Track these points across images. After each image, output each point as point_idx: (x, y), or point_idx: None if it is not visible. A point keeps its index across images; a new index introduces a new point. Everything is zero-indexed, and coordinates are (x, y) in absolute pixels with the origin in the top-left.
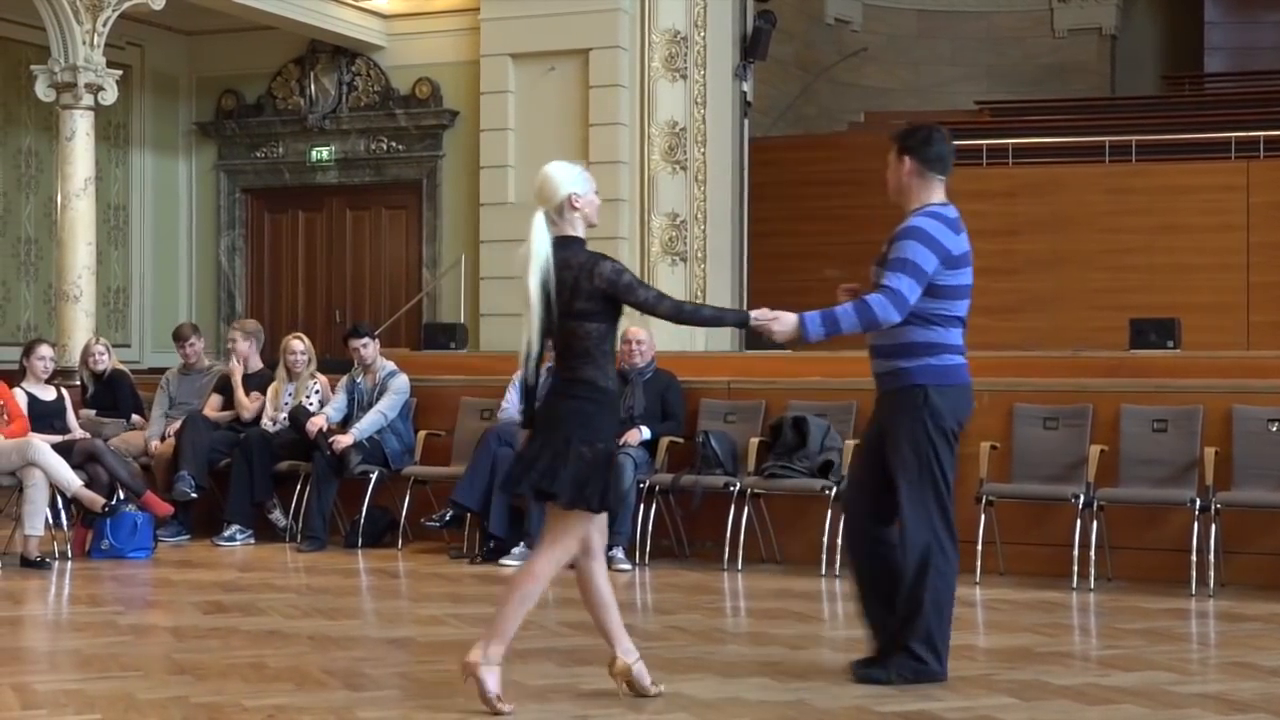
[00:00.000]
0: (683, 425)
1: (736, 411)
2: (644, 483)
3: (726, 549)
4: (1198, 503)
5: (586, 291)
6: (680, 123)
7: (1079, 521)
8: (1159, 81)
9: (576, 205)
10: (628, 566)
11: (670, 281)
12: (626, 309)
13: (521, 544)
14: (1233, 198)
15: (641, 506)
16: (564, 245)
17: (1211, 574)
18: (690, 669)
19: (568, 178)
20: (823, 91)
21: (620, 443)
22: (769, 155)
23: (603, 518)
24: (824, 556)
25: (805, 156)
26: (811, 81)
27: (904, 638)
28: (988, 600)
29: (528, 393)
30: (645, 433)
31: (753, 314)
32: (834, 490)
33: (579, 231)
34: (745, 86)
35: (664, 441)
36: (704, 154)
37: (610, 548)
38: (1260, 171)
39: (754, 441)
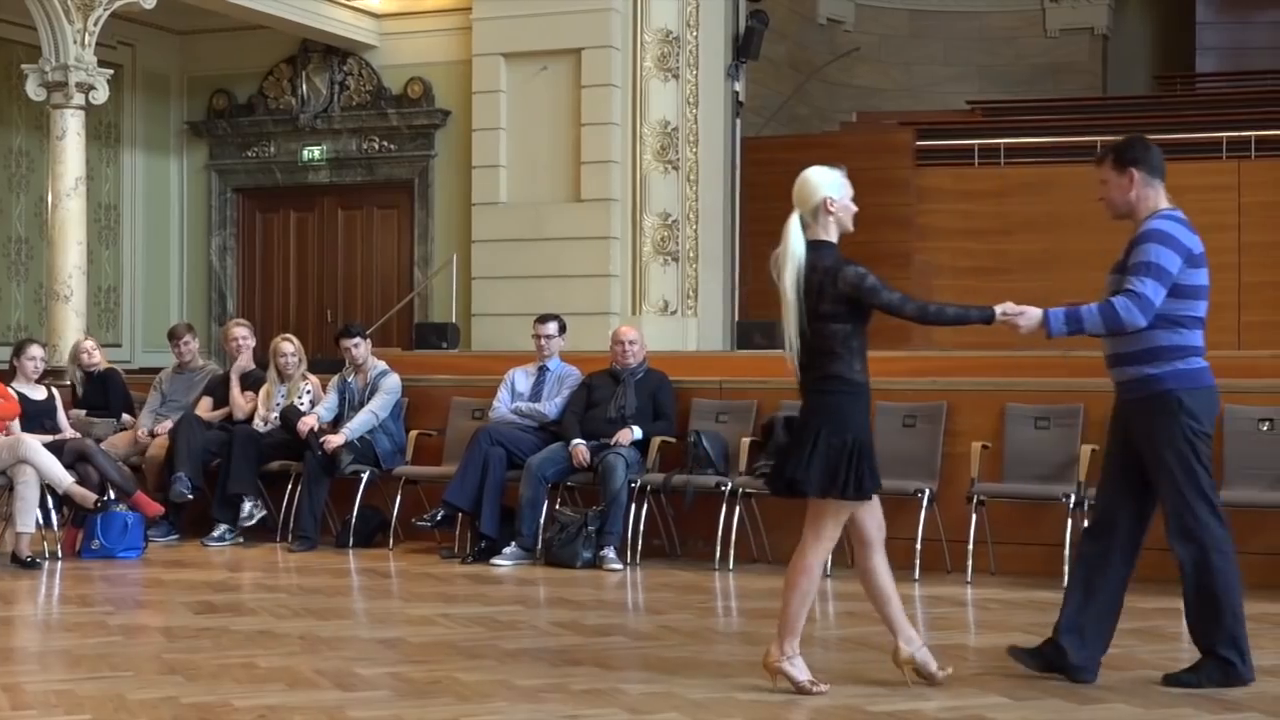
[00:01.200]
0: (674, 425)
1: (728, 411)
2: (635, 482)
3: (718, 548)
4: None
5: (831, 295)
6: (672, 122)
7: (1070, 521)
8: (1151, 81)
9: (831, 209)
10: (619, 566)
11: (663, 282)
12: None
13: (513, 543)
14: (1224, 197)
15: (633, 506)
16: (815, 249)
17: None
18: (682, 668)
19: (825, 182)
20: (815, 91)
21: (612, 442)
22: (761, 155)
23: (878, 511)
24: None
25: (798, 156)
26: (804, 81)
27: (1209, 642)
28: (979, 600)
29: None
30: (637, 432)
31: (997, 309)
32: None
33: (832, 236)
34: (737, 86)
35: (656, 441)
36: (696, 154)
37: (601, 547)
38: (1252, 171)
39: (745, 441)
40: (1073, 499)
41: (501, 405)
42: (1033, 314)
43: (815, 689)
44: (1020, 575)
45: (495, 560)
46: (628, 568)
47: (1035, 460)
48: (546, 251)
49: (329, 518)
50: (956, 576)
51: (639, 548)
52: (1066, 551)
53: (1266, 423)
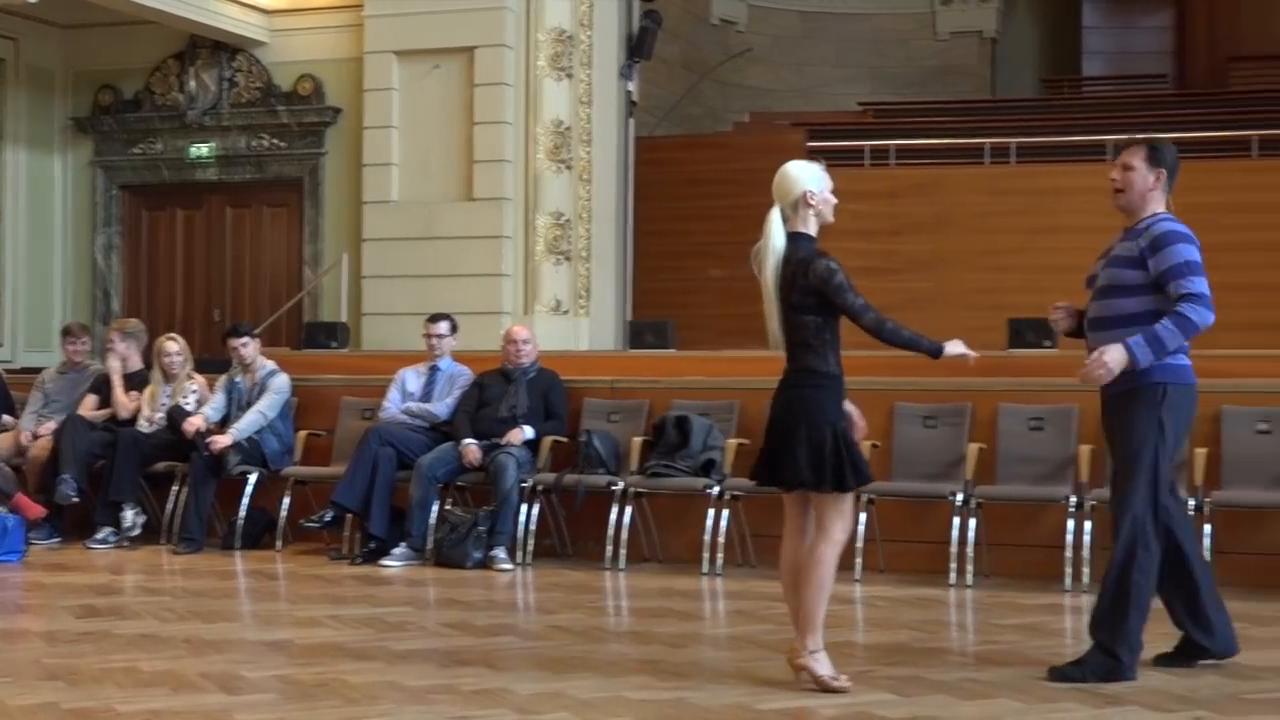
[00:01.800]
0: (566, 424)
1: (619, 411)
2: (527, 482)
3: (609, 548)
4: (1073, 500)
5: (802, 286)
6: (565, 122)
7: (957, 519)
8: (1038, 84)
9: (812, 202)
10: (509, 566)
11: (555, 281)
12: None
13: (402, 544)
14: (1109, 199)
15: (524, 506)
16: (793, 240)
17: (1086, 570)
18: (572, 668)
19: (805, 175)
20: (708, 91)
21: (503, 442)
22: (654, 155)
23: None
24: (706, 555)
25: (691, 156)
26: (697, 81)
27: (1105, 634)
28: (868, 597)
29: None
30: (528, 432)
31: (947, 347)
32: (716, 489)
33: (811, 229)
34: (631, 86)
35: (547, 441)
36: (589, 153)
37: (492, 547)
38: None
39: (637, 441)
40: (960, 497)
41: (391, 405)
42: (1116, 353)
43: (837, 684)
44: (909, 573)
45: (384, 561)
46: (518, 568)
47: (923, 459)
48: (438, 250)
49: (215, 519)
50: (845, 575)
51: (530, 548)
52: (953, 549)
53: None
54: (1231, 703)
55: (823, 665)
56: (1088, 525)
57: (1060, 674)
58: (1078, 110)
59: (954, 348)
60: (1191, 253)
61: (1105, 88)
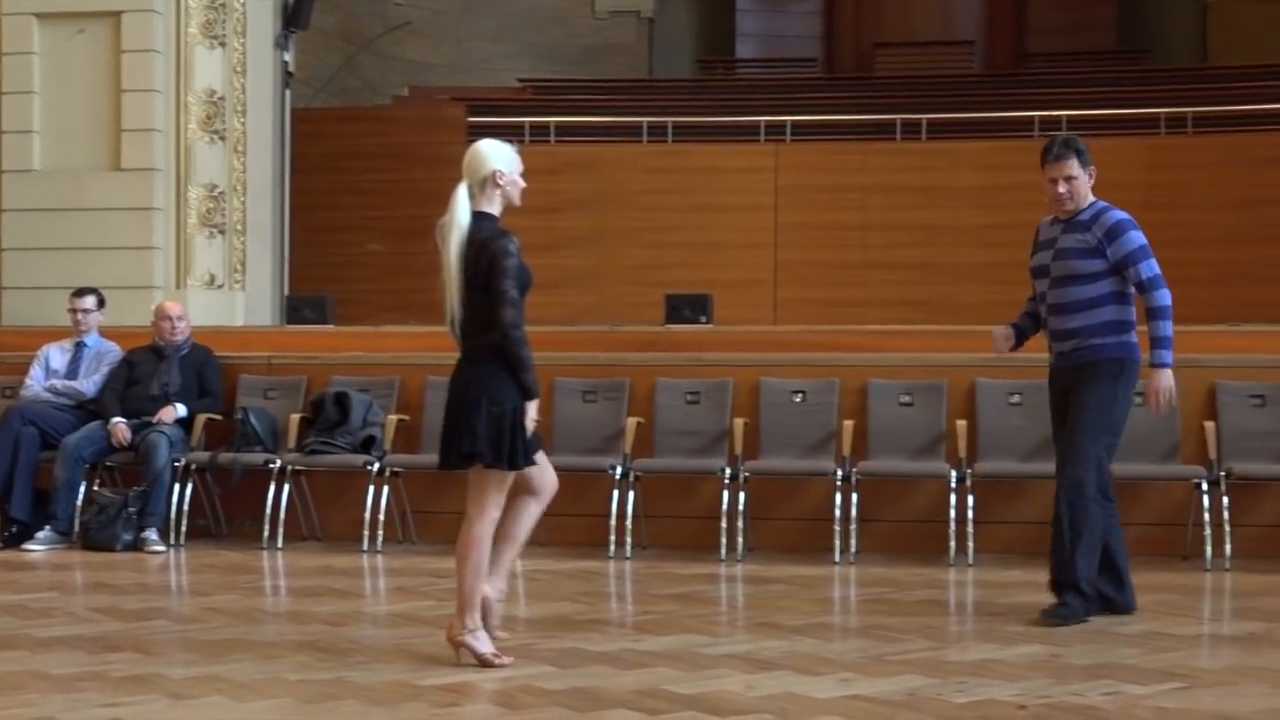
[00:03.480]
0: (220, 401)
1: (277, 387)
2: (180, 461)
3: (266, 527)
4: (728, 471)
5: (483, 266)
6: (219, 91)
7: (616, 492)
8: (694, 65)
9: (500, 182)
10: (161, 548)
11: (209, 254)
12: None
13: (47, 527)
14: (762, 179)
15: (177, 486)
16: (478, 219)
17: (740, 539)
18: (228, 651)
19: (495, 155)
20: (367, 64)
21: (155, 420)
22: (312, 127)
23: (549, 470)
24: (366, 532)
25: (349, 129)
26: (355, 53)
27: (1069, 578)
28: (528, 571)
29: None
30: (180, 410)
31: (530, 408)
32: (376, 466)
33: (495, 209)
34: (287, 56)
35: (201, 418)
36: (244, 124)
37: (143, 528)
38: (787, 154)
39: (295, 418)
40: (619, 470)
41: (34, 383)
42: (1165, 379)
43: (498, 661)
44: (568, 546)
45: (28, 545)
46: (171, 549)
47: (583, 433)
48: (84, 222)
49: None
50: None
51: (183, 528)
52: (612, 522)
53: (800, 394)
54: (876, 664)
55: (484, 643)
56: (741, 496)
57: (1053, 616)
58: (732, 91)
59: (533, 410)
60: (1141, 238)
61: (758, 70)
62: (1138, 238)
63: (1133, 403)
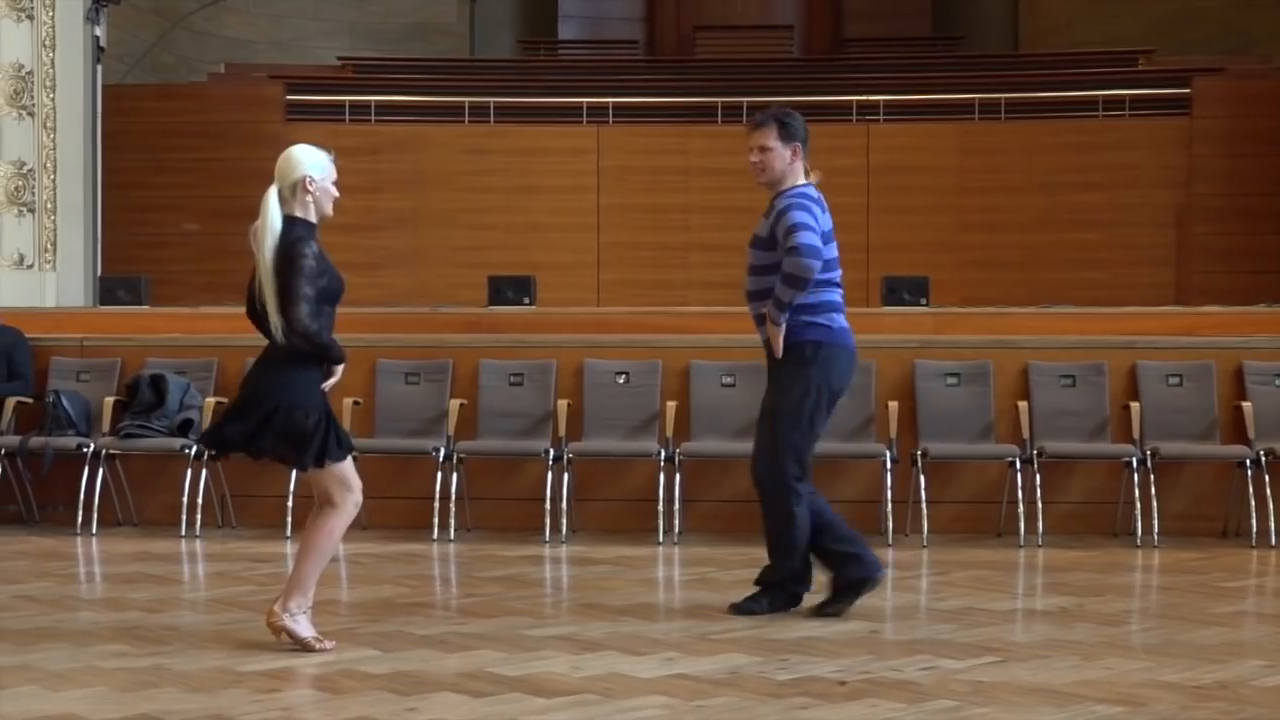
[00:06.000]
0: (31, 384)
1: (90, 370)
2: None
3: (80, 512)
4: (551, 453)
5: (283, 267)
6: (27, 66)
7: (440, 474)
8: (515, 46)
9: (310, 189)
10: None
11: (18, 234)
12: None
13: None
14: (584, 160)
15: None
16: (289, 224)
17: (564, 521)
18: (41, 639)
19: (307, 161)
20: (181, 40)
21: None
22: (125, 104)
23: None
24: (184, 517)
25: (163, 106)
26: (169, 29)
27: (777, 575)
28: (351, 555)
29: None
30: None
31: (338, 370)
32: (194, 449)
33: (309, 216)
34: (98, 31)
35: (11, 402)
36: (53, 99)
37: None
38: (609, 136)
39: (109, 400)
40: (442, 452)
41: None
42: (771, 330)
43: (320, 645)
44: (392, 529)
45: None
46: None
47: (406, 415)
48: None
49: None
50: None
51: None
52: (436, 504)
53: (623, 375)
54: (700, 642)
55: (304, 627)
56: (566, 478)
57: (741, 608)
58: (554, 72)
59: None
60: (800, 216)
61: (580, 51)
62: (794, 216)
63: (838, 393)
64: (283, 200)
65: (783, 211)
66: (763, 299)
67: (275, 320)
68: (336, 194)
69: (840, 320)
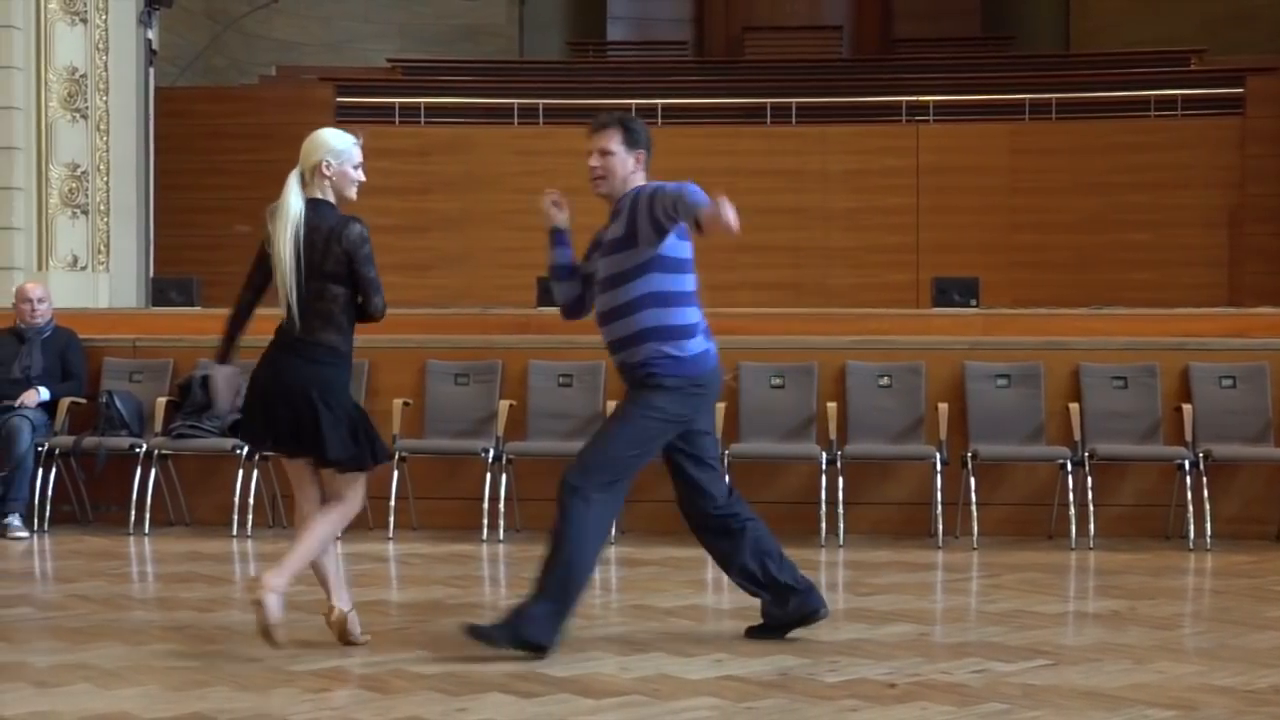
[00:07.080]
0: (84, 385)
1: (142, 370)
2: (43, 446)
3: (132, 512)
4: None
5: (336, 254)
6: (81, 69)
7: (489, 475)
8: (564, 47)
9: (326, 173)
10: (25, 534)
11: (71, 235)
12: None
13: None
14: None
15: (41, 470)
16: (314, 206)
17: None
18: (94, 637)
19: (326, 144)
20: (233, 43)
21: (16, 404)
22: (177, 106)
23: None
24: (235, 517)
25: (214, 109)
26: (221, 32)
27: (535, 592)
28: (401, 555)
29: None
30: (43, 394)
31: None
32: (245, 450)
33: (328, 198)
34: (150, 34)
35: (64, 402)
36: (106, 102)
37: (5, 515)
38: (658, 138)
39: (161, 401)
40: (491, 453)
41: None
42: (727, 213)
43: (275, 636)
44: (442, 529)
45: None
46: (34, 535)
47: (455, 416)
48: None
49: None
50: (379, 533)
51: (47, 514)
52: (485, 505)
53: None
54: (749, 644)
55: (276, 609)
56: None
57: (476, 632)
58: (603, 74)
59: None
60: (666, 183)
61: (629, 53)
62: (663, 183)
63: (676, 419)
64: (303, 182)
65: (638, 194)
66: (619, 318)
67: (294, 302)
68: (359, 177)
69: (689, 348)
